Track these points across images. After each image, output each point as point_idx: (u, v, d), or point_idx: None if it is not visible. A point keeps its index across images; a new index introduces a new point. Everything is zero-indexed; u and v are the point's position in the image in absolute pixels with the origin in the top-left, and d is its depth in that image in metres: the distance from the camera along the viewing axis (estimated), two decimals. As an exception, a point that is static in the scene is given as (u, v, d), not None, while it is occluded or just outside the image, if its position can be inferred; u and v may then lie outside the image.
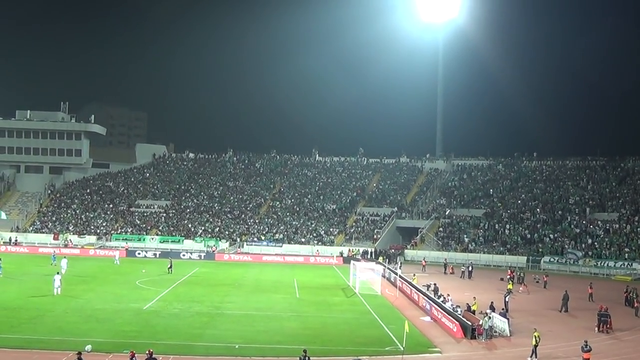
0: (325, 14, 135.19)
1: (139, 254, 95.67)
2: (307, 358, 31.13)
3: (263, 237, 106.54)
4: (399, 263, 78.79)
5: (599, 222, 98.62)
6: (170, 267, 75.88)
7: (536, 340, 37.87)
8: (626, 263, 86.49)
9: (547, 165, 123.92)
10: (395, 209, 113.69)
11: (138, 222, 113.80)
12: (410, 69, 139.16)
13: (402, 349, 38.41)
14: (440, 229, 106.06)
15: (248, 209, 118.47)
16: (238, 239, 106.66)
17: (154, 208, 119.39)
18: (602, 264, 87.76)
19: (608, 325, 46.51)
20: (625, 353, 40.51)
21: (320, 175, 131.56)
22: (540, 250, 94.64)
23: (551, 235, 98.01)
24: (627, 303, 58.39)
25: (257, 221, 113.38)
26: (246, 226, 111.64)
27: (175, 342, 38.97)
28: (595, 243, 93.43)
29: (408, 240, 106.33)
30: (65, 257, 74.85)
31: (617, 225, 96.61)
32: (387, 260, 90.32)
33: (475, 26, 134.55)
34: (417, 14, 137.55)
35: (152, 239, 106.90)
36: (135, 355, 30.44)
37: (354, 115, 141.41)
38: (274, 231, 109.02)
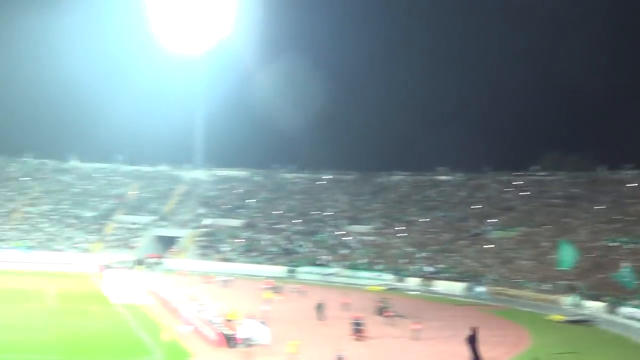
0: (78, 15, 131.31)
1: None
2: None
3: (16, 244, 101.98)
4: (158, 272, 77.98)
5: (353, 234, 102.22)
6: None
7: (294, 349, 38.52)
8: (378, 274, 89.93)
9: (304, 177, 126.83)
10: (155, 217, 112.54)
11: None
12: (170, 77, 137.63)
13: (159, 358, 37.99)
14: (200, 238, 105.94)
15: (0, 214, 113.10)
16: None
17: None
18: (356, 275, 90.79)
19: (362, 334, 48.12)
20: (377, 358, 42.07)
21: (77, 182, 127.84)
22: (297, 260, 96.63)
23: (308, 246, 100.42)
24: (379, 312, 60.67)
25: (10, 227, 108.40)
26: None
27: None
28: (350, 254, 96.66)
29: (167, 249, 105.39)
30: None
31: (371, 237, 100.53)
32: (146, 268, 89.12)
33: (237, 42, 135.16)
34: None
35: None
36: None
37: (112, 121, 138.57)
38: (29, 238, 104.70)
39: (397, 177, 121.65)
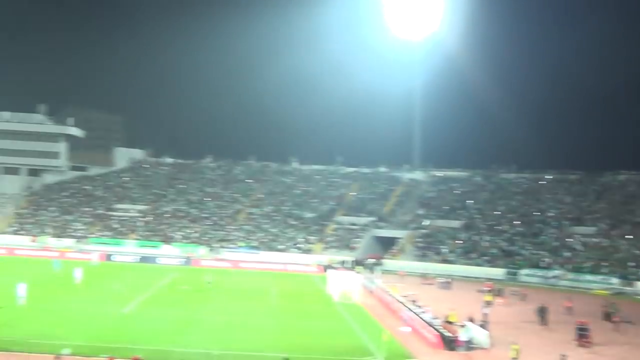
0: (304, 20, 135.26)
1: (114, 258, 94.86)
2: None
3: (241, 244, 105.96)
4: (377, 273, 78.55)
5: (577, 236, 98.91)
6: None
7: (515, 353, 37.74)
8: (604, 277, 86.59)
9: (525, 177, 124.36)
10: (374, 218, 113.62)
11: (116, 226, 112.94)
12: (390, 79, 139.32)
13: (380, 359, 38.17)
14: (419, 239, 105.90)
15: (226, 215, 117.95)
16: (216, 246, 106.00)
17: (132, 212, 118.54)
18: (580, 278, 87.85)
19: (587, 339, 46.41)
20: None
21: (298, 183, 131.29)
22: (518, 262, 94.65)
23: (529, 248, 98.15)
24: (605, 317, 58.31)
25: (235, 228, 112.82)
26: (224, 232, 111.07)
27: (152, 347, 38.49)
28: (573, 257, 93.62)
29: (386, 250, 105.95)
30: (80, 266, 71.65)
31: (596, 240, 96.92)
32: (366, 269, 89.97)
33: (456, 37, 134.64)
34: (397, 27, 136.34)
35: (131, 243, 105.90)
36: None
37: (331, 123, 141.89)
38: (252, 238, 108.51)
39: (623, 176, 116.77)
